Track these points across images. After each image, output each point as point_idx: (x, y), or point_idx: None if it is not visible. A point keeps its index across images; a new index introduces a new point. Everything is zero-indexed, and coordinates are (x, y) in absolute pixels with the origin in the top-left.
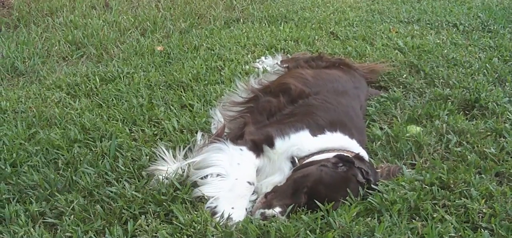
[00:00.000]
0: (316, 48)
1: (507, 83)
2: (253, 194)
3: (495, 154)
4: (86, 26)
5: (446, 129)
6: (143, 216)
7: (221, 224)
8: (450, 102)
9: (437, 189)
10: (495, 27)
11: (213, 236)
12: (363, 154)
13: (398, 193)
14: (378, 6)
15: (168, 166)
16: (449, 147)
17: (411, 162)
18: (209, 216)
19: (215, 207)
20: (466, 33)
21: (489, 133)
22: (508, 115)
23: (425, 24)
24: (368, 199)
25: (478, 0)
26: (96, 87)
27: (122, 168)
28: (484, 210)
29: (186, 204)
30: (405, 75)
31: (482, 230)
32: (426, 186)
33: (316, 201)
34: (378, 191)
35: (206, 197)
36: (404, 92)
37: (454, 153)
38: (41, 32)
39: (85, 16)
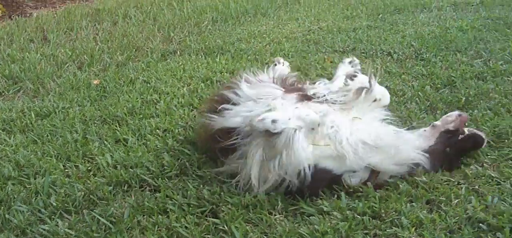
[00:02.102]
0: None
1: (438, 111)
2: None
3: (426, 182)
4: (24, 60)
5: None
6: None
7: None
8: None
9: (369, 219)
10: (428, 56)
11: None
12: None
13: (329, 223)
14: (314, 36)
15: None
16: None
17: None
18: None
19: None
20: (400, 62)
21: None
22: None
23: (360, 53)
24: (298, 230)
25: (411, 29)
26: (31, 123)
27: (55, 204)
28: None
29: None
30: None
31: None
32: (358, 216)
33: None
34: (309, 223)
35: None
36: None
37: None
38: None
39: (23, 49)
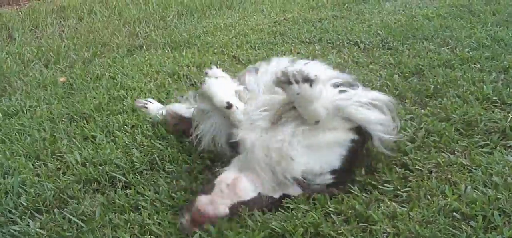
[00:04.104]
0: None
1: (407, 100)
2: None
3: (397, 172)
4: None
5: None
6: None
7: None
8: None
9: (336, 214)
10: (394, 44)
11: None
12: None
13: (301, 219)
14: (280, 27)
15: None
16: None
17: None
18: None
19: None
20: (367, 51)
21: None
22: (409, 132)
23: (327, 43)
24: (269, 224)
25: (377, 18)
26: None
27: (25, 204)
28: (388, 230)
29: None
30: None
31: None
32: (322, 208)
33: None
34: (280, 219)
35: None
36: None
37: None
38: None
39: None
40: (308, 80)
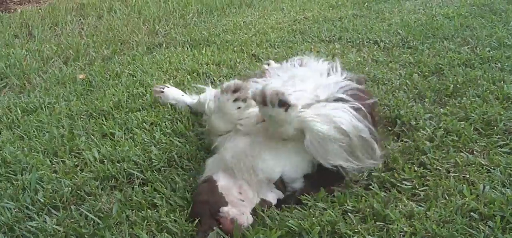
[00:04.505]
0: (238, 71)
1: (426, 99)
2: None
3: (416, 171)
4: (9, 56)
5: None
6: None
7: None
8: None
9: (354, 213)
10: (414, 43)
11: None
12: None
13: (318, 218)
14: (300, 25)
15: None
16: None
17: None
18: None
19: None
20: (386, 50)
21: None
22: (428, 131)
23: (346, 42)
24: (286, 223)
25: (397, 17)
26: (17, 119)
27: (42, 200)
28: (405, 229)
29: None
30: None
31: None
32: (340, 207)
33: None
34: (297, 217)
35: None
36: None
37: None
38: None
39: (8, 45)
40: (285, 105)
